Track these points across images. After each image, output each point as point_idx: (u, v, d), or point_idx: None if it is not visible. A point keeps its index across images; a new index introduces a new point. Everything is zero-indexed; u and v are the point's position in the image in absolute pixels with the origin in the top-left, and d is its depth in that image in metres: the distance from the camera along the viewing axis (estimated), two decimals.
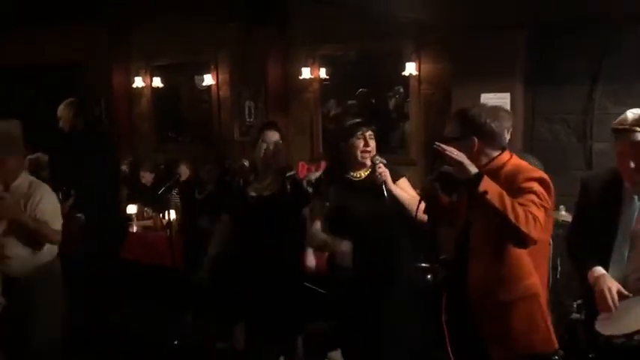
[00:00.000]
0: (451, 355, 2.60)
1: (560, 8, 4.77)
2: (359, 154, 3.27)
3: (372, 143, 3.29)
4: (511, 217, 2.25)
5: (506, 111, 2.71)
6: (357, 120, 3.37)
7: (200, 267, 4.36)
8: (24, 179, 3.52)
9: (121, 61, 7.48)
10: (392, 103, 6.21)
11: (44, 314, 3.46)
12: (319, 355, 4.03)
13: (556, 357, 2.57)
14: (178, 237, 5.11)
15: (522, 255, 2.46)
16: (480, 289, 2.54)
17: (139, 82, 7.37)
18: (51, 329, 3.51)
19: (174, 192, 5.59)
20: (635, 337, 2.36)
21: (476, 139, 2.51)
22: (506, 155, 2.56)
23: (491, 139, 2.53)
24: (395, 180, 3.26)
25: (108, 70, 7.40)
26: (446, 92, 5.46)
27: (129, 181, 6.41)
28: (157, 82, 7.34)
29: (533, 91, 5.17)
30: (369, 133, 3.28)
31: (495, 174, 2.45)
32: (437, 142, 2.44)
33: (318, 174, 4.09)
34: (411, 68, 5.75)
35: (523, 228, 2.25)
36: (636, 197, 2.55)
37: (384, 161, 3.24)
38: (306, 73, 6.29)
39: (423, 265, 4.30)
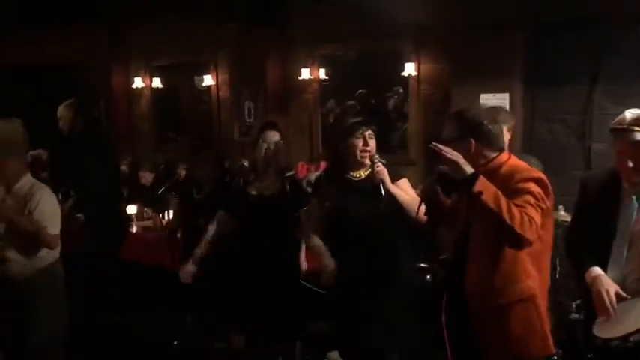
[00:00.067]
0: (450, 356, 2.60)
1: (559, 8, 4.79)
2: (358, 153, 3.26)
3: (372, 143, 3.27)
4: (506, 218, 2.24)
5: (506, 111, 2.71)
6: (357, 119, 3.36)
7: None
8: (26, 182, 3.45)
9: (120, 62, 7.49)
10: (391, 103, 6.22)
11: (44, 316, 3.44)
12: (318, 355, 4.02)
13: (554, 357, 2.57)
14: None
15: (521, 256, 2.45)
16: (476, 290, 2.53)
17: (138, 82, 7.38)
18: (51, 330, 3.49)
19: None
20: (631, 339, 2.35)
21: (473, 141, 2.50)
22: (504, 156, 2.55)
23: (488, 140, 2.52)
24: (395, 181, 3.25)
25: (107, 70, 7.41)
26: (445, 92, 5.47)
27: (128, 181, 6.40)
28: (157, 82, 7.36)
29: (532, 91, 5.18)
30: (368, 132, 3.27)
31: (493, 174, 2.44)
32: (433, 142, 2.43)
33: (317, 174, 4.09)
34: (410, 68, 5.76)
35: (518, 229, 2.24)
36: (634, 197, 2.54)
37: (384, 161, 3.23)
38: (305, 73, 6.30)
39: (422, 265, 4.29)
